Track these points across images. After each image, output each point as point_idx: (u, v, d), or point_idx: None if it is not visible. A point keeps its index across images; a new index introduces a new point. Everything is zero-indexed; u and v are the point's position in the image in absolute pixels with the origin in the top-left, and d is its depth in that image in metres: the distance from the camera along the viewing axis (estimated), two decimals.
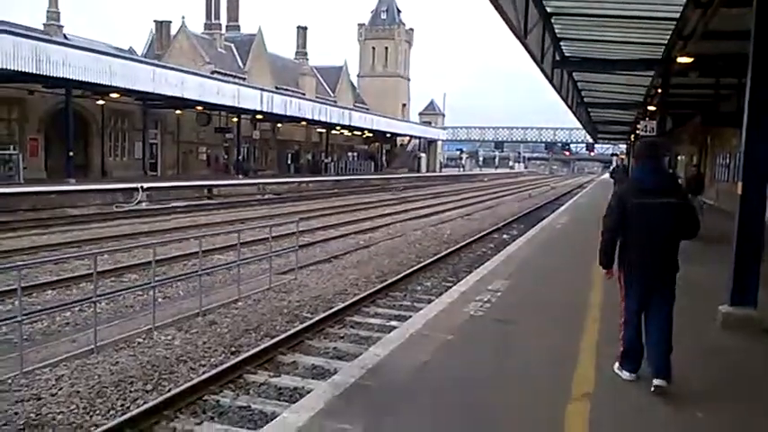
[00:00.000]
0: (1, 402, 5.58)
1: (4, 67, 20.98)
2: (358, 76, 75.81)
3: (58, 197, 21.60)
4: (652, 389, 4.54)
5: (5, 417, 5.31)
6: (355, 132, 54.93)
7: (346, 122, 47.66)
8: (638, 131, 25.22)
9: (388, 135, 62.48)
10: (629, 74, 18.72)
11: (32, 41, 22.25)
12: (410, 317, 7.36)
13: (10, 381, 6.04)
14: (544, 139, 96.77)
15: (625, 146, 58.12)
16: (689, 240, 4.88)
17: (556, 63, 16.88)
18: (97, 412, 5.56)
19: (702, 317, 6.97)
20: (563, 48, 16.20)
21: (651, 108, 21.99)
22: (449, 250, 14.98)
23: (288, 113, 38.97)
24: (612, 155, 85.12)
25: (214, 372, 6.33)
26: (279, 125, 47.76)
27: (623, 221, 4.77)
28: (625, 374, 4.88)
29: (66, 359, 6.69)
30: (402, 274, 11.72)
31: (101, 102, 31.24)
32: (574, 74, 21.14)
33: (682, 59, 13.61)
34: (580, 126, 52.03)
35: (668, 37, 13.18)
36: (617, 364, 4.96)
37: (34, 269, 10.82)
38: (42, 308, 8.20)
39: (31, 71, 21.98)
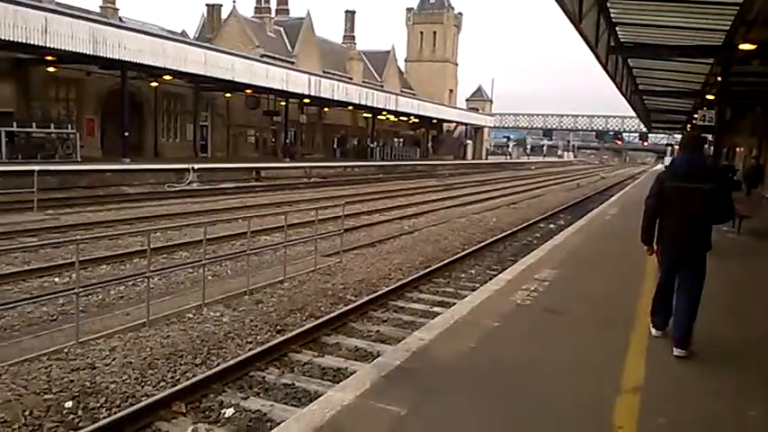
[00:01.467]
0: (57, 370, 5.81)
1: (64, 48, 21.65)
2: (405, 60, 75.35)
3: (113, 176, 22.31)
4: (673, 353, 5.16)
5: (62, 383, 5.53)
6: (401, 118, 54.74)
7: (393, 107, 47.51)
8: (695, 121, 24.41)
9: (435, 121, 62.05)
10: (687, 61, 18.05)
11: (90, 24, 22.86)
12: (453, 304, 7.31)
13: (66, 350, 6.28)
14: (595, 128, 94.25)
15: (681, 136, 56.32)
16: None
17: (610, 49, 16.43)
18: (148, 383, 5.74)
19: (757, 313, 6.73)
20: (618, 33, 15.73)
21: (709, 97, 21.20)
22: (494, 238, 14.82)
23: (335, 98, 39.09)
24: (667, 145, 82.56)
25: (260, 349, 6.45)
26: (326, 109, 48.01)
27: (661, 202, 5.31)
28: (653, 331, 5.63)
29: (119, 331, 6.93)
30: (446, 261, 11.67)
31: (154, 83, 32.00)
32: (629, 60, 20.52)
33: (744, 46, 13.05)
34: (633, 114, 50.53)
35: (730, 22, 12.63)
36: (650, 323, 5.71)
37: (90, 244, 11.24)
38: (98, 281, 8.51)
39: (88, 53, 22.62)
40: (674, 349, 5.16)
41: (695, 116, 24.00)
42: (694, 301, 5.22)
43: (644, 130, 76.24)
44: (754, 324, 6.53)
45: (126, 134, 27.09)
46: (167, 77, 30.13)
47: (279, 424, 4.03)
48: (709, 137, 23.98)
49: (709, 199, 5.10)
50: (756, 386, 4.72)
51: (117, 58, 23.78)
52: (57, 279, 9.25)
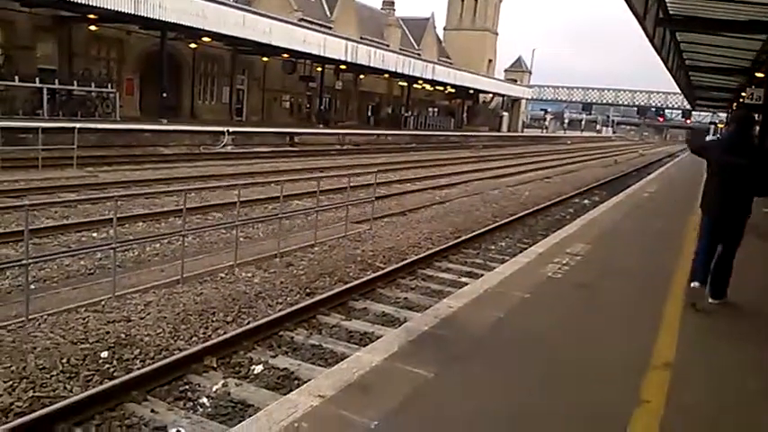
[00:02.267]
0: (94, 321, 6.00)
1: (105, 6, 21.82)
2: (444, 29, 73.95)
3: (150, 136, 22.61)
4: (708, 302, 5.86)
5: (98, 334, 5.71)
6: (437, 87, 54.00)
7: (429, 76, 46.86)
8: (742, 99, 23.55)
9: (471, 92, 61.15)
10: (738, 37, 17.31)
11: None
12: (482, 275, 7.29)
13: (103, 302, 6.47)
14: (637, 103, 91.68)
15: (725, 115, 54.51)
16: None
17: (659, 21, 15.87)
18: (181, 338, 5.89)
19: None
20: (668, 4, 15.15)
21: (759, 75, 20.39)
22: (526, 212, 14.67)
23: (371, 65, 38.70)
24: (711, 123, 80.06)
25: (290, 310, 6.56)
26: (361, 76, 47.62)
27: (710, 171, 5.97)
28: (693, 284, 5.87)
29: (154, 287, 7.10)
30: (476, 232, 11.61)
31: (193, 45, 32.08)
32: (677, 34, 19.79)
33: None
34: (677, 90, 48.98)
35: None
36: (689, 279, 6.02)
37: (128, 201, 11.48)
38: (134, 238, 8.71)
39: (129, 12, 22.76)
40: (710, 299, 5.90)
41: (743, 94, 23.12)
42: (730, 259, 5.87)
43: (687, 107, 73.97)
44: None
45: (164, 95, 27.34)
46: (206, 39, 30.17)
47: (306, 382, 4.10)
48: (757, 117, 23.16)
49: (747, 173, 5.60)
50: None
51: (157, 18, 23.89)
52: (95, 234, 9.50)
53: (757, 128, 16.84)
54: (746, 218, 5.77)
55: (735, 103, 33.71)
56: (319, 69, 38.32)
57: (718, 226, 5.86)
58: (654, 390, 3.99)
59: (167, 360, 5.16)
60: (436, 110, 60.74)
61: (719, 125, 59.94)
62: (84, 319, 6.06)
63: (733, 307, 5.93)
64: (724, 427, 3.68)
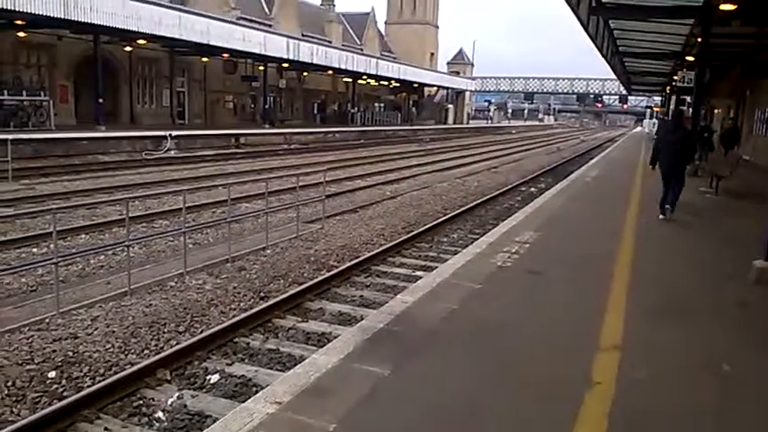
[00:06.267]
0: (39, 340, 5.78)
1: (34, 12, 20.94)
2: (385, 23, 74.08)
3: (88, 144, 21.86)
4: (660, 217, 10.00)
5: (44, 354, 5.50)
6: (382, 82, 54.11)
7: (373, 71, 46.90)
8: (674, 83, 24.48)
9: (416, 85, 61.48)
10: (668, 22, 18.01)
11: None
12: (436, 267, 7.37)
13: (47, 320, 6.24)
14: (576, 90, 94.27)
15: (660, 98, 56.53)
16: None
17: (592, 10, 16.32)
18: (131, 352, 5.74)
19: (734, 271, 6.88)
20: None
21: (689, 58, 21.24)
22: (475, 202, 14.89)
23: (314, 62, 38.45)
24: (647, 107, 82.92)
25: (244, 315, 6.47)
26: (305, 74, 47.25)
27: (660, 144, 10.52)
28: (661, 216, 10.01)
29: (100, 300, 6.89)
30: (428, 225, 11.72)
31: (128, 48, 31.13)
32: (610, 21, 20.41)
33: (724, 6, 13.04)
34: (613, 77, 50.56)
35: None
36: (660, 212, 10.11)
37: (68, 214, 11.09)
38: (77, 251, 8.41)
39: (59, 16, 21.91)
40: (664, 214, 9.99)
41: (675, 78, 24.04)
42: (677, 193, 10.03)
43: (624, 92, 76.45)
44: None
45: (100, 101, 26.49)
46: (142, 42, 29.36)
47: (264, 388, 4.06)
48: (688, 98, 24.10)
49: (680, 144, 10.03)
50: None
51: (89, 21, 23.07)
52: (35, 249, 9.13)
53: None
54: (684, 170, 10.14)
55: (668, 87, 35.03)
56: (261, 68, 37.81)
57: (668, 176, 10.01)
58: (603, 370, 4.12)
59: (118, 376, 5.02)
60: (382, 105, 60.85)
61: (656, 108, 62.13)
62: (28, 338, 5.83)
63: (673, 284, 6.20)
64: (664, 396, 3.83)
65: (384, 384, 3.81)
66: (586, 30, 18.61)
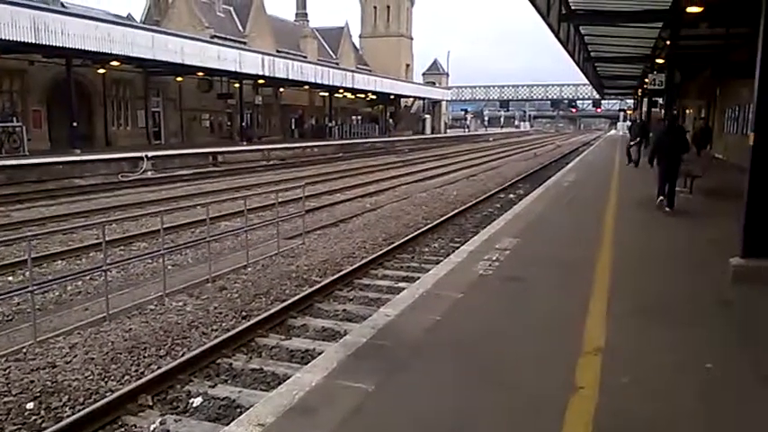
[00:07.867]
0: (17, 371, 5.65)
1: (4, 37, 20.69)
2: (360, 36, 74.50)
3: (63, 168, 21.57)
4: (665, 210, 11.12)
5: (22, 384, 5.38)
6: (359, 95, 54.30)
7: (349, 85, 47.06)
8: (646, 86, 24.86)
9: (392, 97, 61.79)
10: (637, 26, 18.34)
11: (30, 10, 21.82)
12: (419, 278, 7.36)
13: (25, 350, 6.11)
14: (550, 97, 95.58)
15: (632, 101, 57.38)
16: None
17: (562, 17, 16.56)
18: (112, 378, 5.63)
19: (712, 270, 6.96)
20: (569, 0, 15.84)
21: (659, 61, 21.61)
22: (455, 211, 14.94)
23: (290, 77, 38.48)
24: (620, 110, 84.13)
25: (226, 336, 6.38)
26: (281, 90, 47.24)
27: (659, 144, 11.70)
28: (660, 198, 11.26)
29: (79, 327, 6.76)
30: (409, 236, 11.71)
31: (102, 70, 30.89)
32: (580, 28, 20.74)
33: (691, 9, 13.29)
34: (586, 82, 51.26)
35: None
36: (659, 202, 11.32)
37: (43, 240, 10.90)
38: (53, 278, 8.26)
39: (30, 41, 21.68)
40: (667, 208, 11.16)
41: (646, 80, 24.42)
42: (673, 188, 11.45)
43: (597, 96, 77.51)
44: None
45: (74, 124, 26.22)
46: (115, 63, 29.16)
47: (248, 409, 4.00)
48: (660, 100, 24.52)
49: (674, 143, 11.34)
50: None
51: (60, 45, 22.86)
52: (10, 278, 8.96)
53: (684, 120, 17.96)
54: (679, 166, 11.56)
55: (639, 90, 35.57)
56: (237, 86, 37.72)
57: (666, 170, 11.29)
58: (588, 374, 4.13)
59: (99, 404, 4.91)
60: (360, 118, 61.02)
61: (629, 111, 63.11)
62: (5, 369, 5.70)
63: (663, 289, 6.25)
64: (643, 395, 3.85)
65: (369, 400, 3.78)
66: (557, 36, 18.86)
